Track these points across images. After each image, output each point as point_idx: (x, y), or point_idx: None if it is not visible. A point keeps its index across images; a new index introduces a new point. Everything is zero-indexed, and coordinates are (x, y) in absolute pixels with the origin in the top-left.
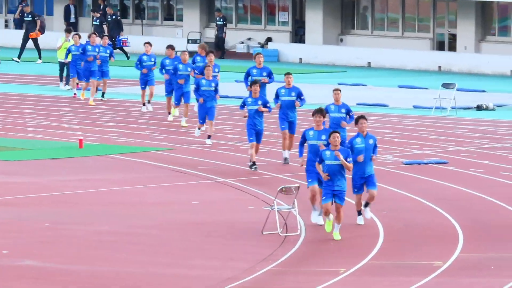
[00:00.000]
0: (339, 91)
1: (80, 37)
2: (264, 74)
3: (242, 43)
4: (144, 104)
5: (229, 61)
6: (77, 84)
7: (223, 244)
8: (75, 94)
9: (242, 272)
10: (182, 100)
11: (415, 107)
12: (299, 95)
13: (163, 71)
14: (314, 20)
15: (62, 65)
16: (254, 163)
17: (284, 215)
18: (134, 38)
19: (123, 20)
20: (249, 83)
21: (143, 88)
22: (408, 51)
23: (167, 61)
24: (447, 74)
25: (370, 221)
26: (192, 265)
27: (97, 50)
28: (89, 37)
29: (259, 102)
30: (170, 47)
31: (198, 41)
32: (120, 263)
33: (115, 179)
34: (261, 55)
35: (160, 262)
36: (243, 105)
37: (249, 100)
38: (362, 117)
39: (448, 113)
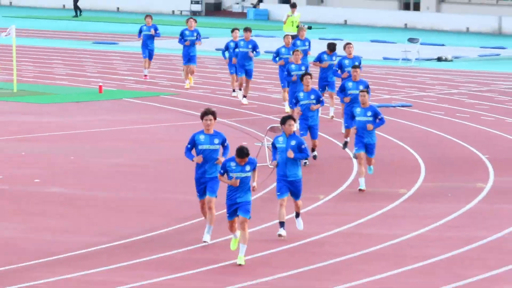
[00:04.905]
0: (309, 77)
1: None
2: (353, 62)
3: (238, 3)
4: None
5: (226, 19)
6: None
7: None
8: (145, 75)
9: None
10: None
11: (384, 58)
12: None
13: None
14: None
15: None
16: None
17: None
18: None
19: None
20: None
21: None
22: (379, 11)
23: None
24: (412, 31)
25: (346, 155)
26: (195, 193)
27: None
28: (186, 22)
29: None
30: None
31: (200, 1)
32: (133, 190)
33: (129, 119)
34: (351, 45)
35: (168, 190)
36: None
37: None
38: (289, 117)
39: (412, 63)
